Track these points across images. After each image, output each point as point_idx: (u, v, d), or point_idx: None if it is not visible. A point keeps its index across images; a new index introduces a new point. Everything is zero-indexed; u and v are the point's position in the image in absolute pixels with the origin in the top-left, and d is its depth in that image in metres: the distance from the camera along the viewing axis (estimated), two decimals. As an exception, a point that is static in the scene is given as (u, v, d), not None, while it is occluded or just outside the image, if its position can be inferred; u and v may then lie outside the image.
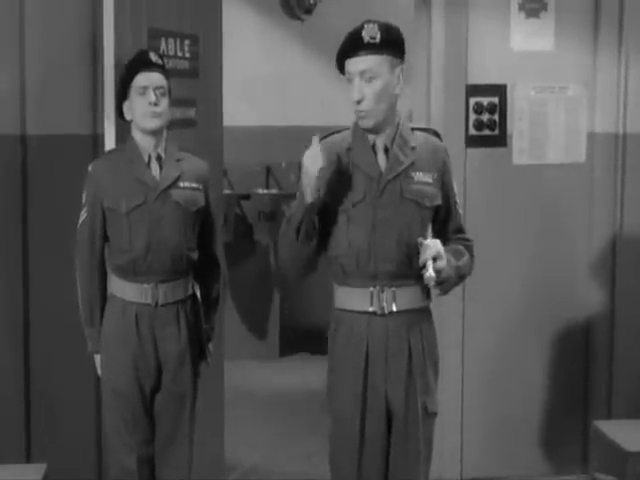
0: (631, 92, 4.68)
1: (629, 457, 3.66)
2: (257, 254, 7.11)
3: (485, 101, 4.56)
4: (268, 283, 7.09)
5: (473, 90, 4.55)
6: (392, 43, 2.81)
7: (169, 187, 3.33)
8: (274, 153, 7.47)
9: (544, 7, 4.63)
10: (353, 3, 7.27)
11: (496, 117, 4.57)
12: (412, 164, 2.87)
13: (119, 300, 3.34)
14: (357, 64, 2.79)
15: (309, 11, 7.62)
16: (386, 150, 2.87)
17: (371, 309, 2.85)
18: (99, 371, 3.42)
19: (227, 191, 6.97)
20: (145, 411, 3.35)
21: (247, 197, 7.21)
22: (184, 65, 4.07)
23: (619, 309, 4.67)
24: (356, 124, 2.91)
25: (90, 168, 3.39)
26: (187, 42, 4.08)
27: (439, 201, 2.93)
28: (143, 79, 3.29)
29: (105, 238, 3.37)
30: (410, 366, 2.88)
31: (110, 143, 3.68)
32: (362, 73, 2.79)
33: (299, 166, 7.55)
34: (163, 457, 3.39)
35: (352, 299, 2.88)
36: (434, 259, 2.76)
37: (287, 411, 5.76)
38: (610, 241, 4.63)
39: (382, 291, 2.85)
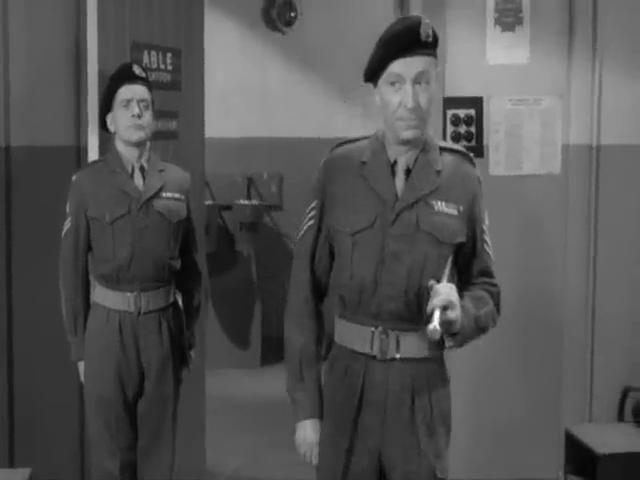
0: (605, 104, 4.78)
1: (599, 460, 3.75)
2: (239, 264, 7.18)
3: (462, 113, 4.66)
4: (250, 293, 7.16)
5: (450, 102, 4.65)
6: (437, 43, 2.43)
7: (152, 197, 3.40)
8: (255, 164, 7.55)
9: (519, 21, 4.73)
10: (333, 17, 7.47)
11: (473, 129, 4.66)
12: (435, 191, 2.45)
13: (102, 308, 3.40)
14: (413, 65, 2.37)
15: (290, 24, 7.68)
16: (407, 171, 2.46)
17: (371, 352, 2.45)
18: (82, 378, 3.48)
19: (209, 202, 6.98)
20: (128, 417, 3.43)
21: (229, 208, 7.24)
22: (166, 78, 4.16)
23: (597, 315, 4.77)
24: (377, 136, 2.51)
25: (74, 178, 3.46)
26: (169, 55, 4.17)
27: (462, 238, 2.48)
28: (127, 92, 3.37)
29: (89, 247, 3.43)
30: (413, 423, 2.46)
31: (94, 154, 3.76)
32: (418, 75, 2.37)
33: (280, 177, 7.65)
34: (145, 462, 3.47)
35: (350, 336, 2.50)
36: (444, 308, 2.31)
37: (268, 420, 5.79)
38: (585, 249, 4.72)
39: (385, 333, 2.44)
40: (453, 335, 2.40)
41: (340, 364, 2.51)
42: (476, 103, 4.65)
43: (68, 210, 3.44)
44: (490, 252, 2.57)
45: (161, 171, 3.46)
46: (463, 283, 2.52)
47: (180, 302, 3.56)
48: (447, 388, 2.52)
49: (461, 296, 2.41)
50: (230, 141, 7.43)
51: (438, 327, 2.26)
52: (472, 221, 2.50)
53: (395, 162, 2.45)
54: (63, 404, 4.15)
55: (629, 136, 4.79)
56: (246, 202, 7.43)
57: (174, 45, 4.22)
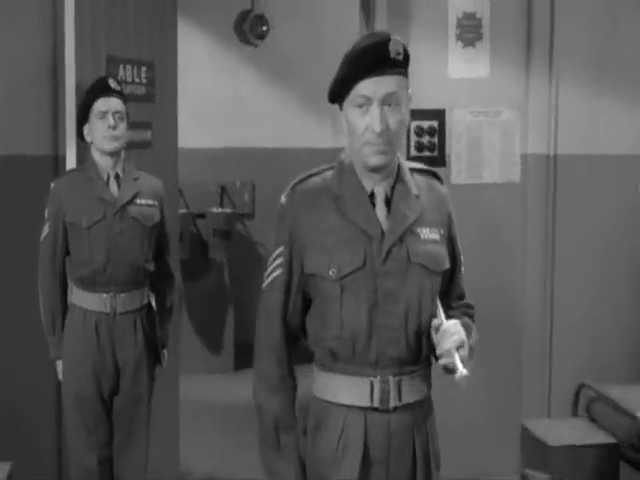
0: (561, 116, 4.96)
1: (551, 451, 3.92)
2: (212, 271, 7.18)
3: (425, 124, 4.82)
4: (223, 299, 7.18)
5: (414, 114, 4.70)
6: (408, 61, 2.22)
7: (127, 204, 3.55)
8: (228, 173, 7.58)
9: (479, 37, 4.90)
10: (303, 30, 7.50)
11: (436, 139, 4.82)
12: (417, 218, 2.24)
13: (79, 309, 3.55)
14: (381, 85, 2.14)
15: (261, 37, 7.69)
16: (387, 201, 2.23)
17: (371, 404, 2.21)
18: (60, 376, 3.62)
19: (183, 210, 7.05)
20: (104, 413, 3.58)
21: (202, 216, 7.26)
22: (141, 90, 4.28)
23: (555, 317, 4.93)
24: (342, 164, 2.27)
25: (53, 186, 3.60)
26: (144, 69, 4.30)
27: (448, 263, 2.31)
28: (102, 104, 3.52)
29: (66, 251, 3.58)
30: (414, 473, 2.30)
31: (71, 163, 3.91)
32: (386, 97, 2.15)
33: (252, 186, 7.71)
34: (121, 456, 3.62)
35: (344, 390, 2.22)
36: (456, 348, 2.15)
37: (241, 422, 5.82)
38: (544, 253, 4.89)
39: (385, 382, 2.20)
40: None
41: (332, 423, 2.23)
42: (439, 115, 4.82)
43: (46, 216, 3.58)
44: (463, 270, 2.42)
45: (135, 179, 3.61)
46: (443, 307, 2.28)
47: (154, 303, 3.70)
48: (435, 420, 2.38)
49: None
50: (204, 151, 7.43)
51: (466, 372, 2.11)
52: (451, 243, 2.34)
53: (372, 192, 2.23)
54: (42, 401, 4.20)
55: (584, 146, 4.98)
56: (219, 210, 7.44)
57: (148, 59, 4.34)
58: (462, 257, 2.40)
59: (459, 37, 4.85)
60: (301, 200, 2.24)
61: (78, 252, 3.54)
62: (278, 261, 2.25)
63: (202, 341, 7.12)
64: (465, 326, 2.25)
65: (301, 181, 2.27)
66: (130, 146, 3.74)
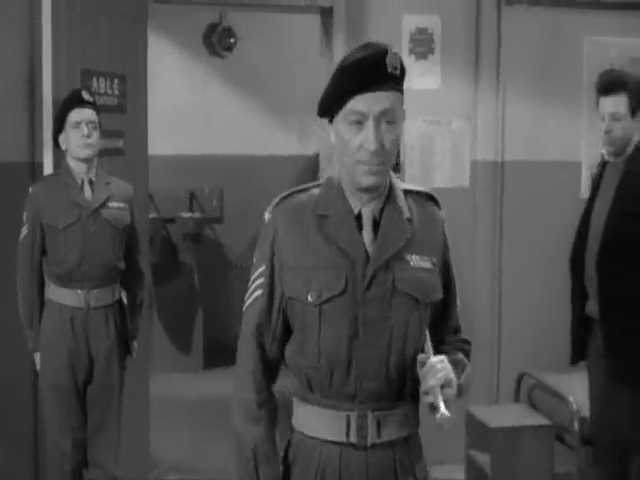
0: (508, 125, 5.26)
1: (491, 432, 4.21)
2: (182, 273, 7.27)
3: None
4: (192, 300, 7.25)
5: None
6: (404, 77, 2.03)
7: (100, 207, 3.79)
8: (197, 179, 7.62)
9: (431, 51, 5.19)
10: (269, 42, 7.62)
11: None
12: (407, 243, 2.05)
13: (56, 304, 3.78)
14: (377, 102, 1.96)
15: (229, 49, 7.74)
16: (374, 223, 2.05)
17: (347, 440, 2.03)
18: (38, 367, 3.86)
19: (153, 215, 7.07)
20: (78, 401, 3.81)
21: (172, 220, 7.35)
22: (113, 101, 4.48)
23: (502, 314, 5.22)
24: (330, 181, 2.10)
25: (30, 190, 3.83)
26: (116, 81, 4.49)
27: (440, 294, 2.11)
28: (77, 115, 3.75)
29: (43, 251, 3.80)
30: None
31: (48, 169, 4.14)
32: (382, 114, 1.97)
33: (220, 191, 7.87)
34: (94, 440, 3.86)
35: (319, 423, 2.05)
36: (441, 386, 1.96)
37: (209, 417, 6.02)
38: (492, 254, 5.18)
39: (363, 417, 2.02)
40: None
41: (307, 456, 2.07)
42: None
43: (25, 218, 3.79)
44: (459, 303, 2.23)
45: (107, 184, 3.85)
46: (435, 342, 2.10)
47: (125, 299, 3.94)
48: (424, 457, 2.18)
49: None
50: (174, 158, 7.46)
51: (447, 413, 1.93)
52: (445, 272, 2.15)
53: (359, 214, 2.05)
54: (20, 390, 4.33)
55: (529, 153, 5.30)
56: (189, 215, 7.52)
57: (120, 72, 4.52)
58: (457, 287, 2.20)
59: (412, 50, 5.11)
60: (284, 217, 2.07)
61: (54, 251, 3.77)
62: (259, 281, 2.09)
63: (172, 341, 7.20)
64: (455, 363, 2.08)
65: (286, 197, 2.11)
66: (103, 153, 3.94)
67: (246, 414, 2.09)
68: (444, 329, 2.18)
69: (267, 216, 2.12)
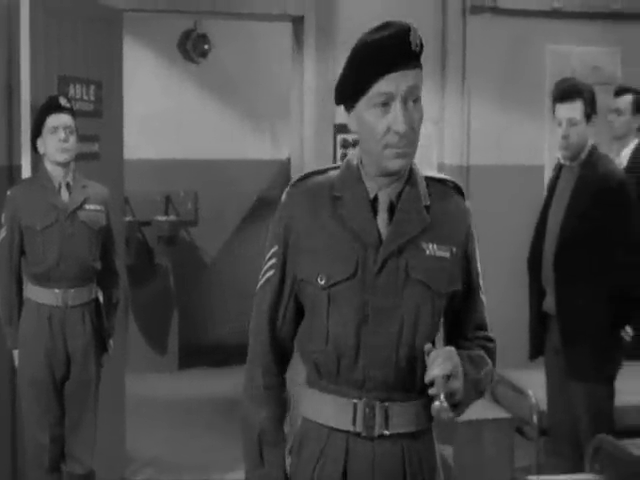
0: (473, 130, 5.44)
1: (454, 425, 4.34)
2: (157, 276, 7.35)
3: (350, 137, 5.21)
4: (168, 302, 7.33)
5: (340, 128, 5.19)
6: (422, 53, 1.96)
7: (77, 209, 3.90)
8: (173, 183, 7.69)
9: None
10: (242, 48, 7.68)
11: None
12: (424, 231, 1.96)
13: (34, 303, 3.89)
14: (403, 80, 1.89)
15: (204, 55, 7.80)
16: (391, 208, 1.97)
17: (353, 429, 1.96)
18: (16, 364, 3.96)
19: (129, 218, 7.15)
20: (56, 396, 3.92)
21: (148, 223, 7.40)
22: (89, 107, 4.58)
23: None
24: (349, 164, 2.02)
25: (9, 193, 3.94)
26: (92, 87, 4.61)
27: (458, 285, 2.02)
28: (54, 120, 3.86)
29: (22, 252, 3.91)
30: None
31: (26, 173, 4.26)
32: (409, 92, 1.90)
33: (195, 195, 7.96)
34: (72, 435, 3.97)
35: (326, 410, 1.99)
36: (446, 377, 1.88)
37: (185, 416, 6.17)
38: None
39: (370, 406, 1.95)
40: (454, 406, 1.92)
41: (313, 444, 2.01)
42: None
43: (3, 220, 3.90)
44: (484, 298, 2.12)
45: (84, 187, 3.96)
46: (455, 338, 2.07)
47: (101, 298, 4.05)
48: (438, 462, 2.07)
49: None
50: (150, 162, 7.49)
51: (445, 404, 1.85)
52: (467, 264, 2.05)
53: (376, 197, 1.98)
54: None
55: (494, 157, 5.48)
56: (164, 218, 7.58)
57: (96, 78, 4.63)
58: (482, 282, 2.10)
59: (381, 58, 5.29)
60: (299, 199, 2.02)
61: (33, 252, 3.88)
62: (272, 261, 2.04)
63: (148, 342, 7.26)
64: (470, 358, 1.99)
65: (303, 178, 2.06)
66: (79, 157, 4.04)
67: (253, 396, 2.05)
68: (466, 324, 2.08)
69: (284, 196, 2.06)
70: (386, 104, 1.90)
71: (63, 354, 3.91)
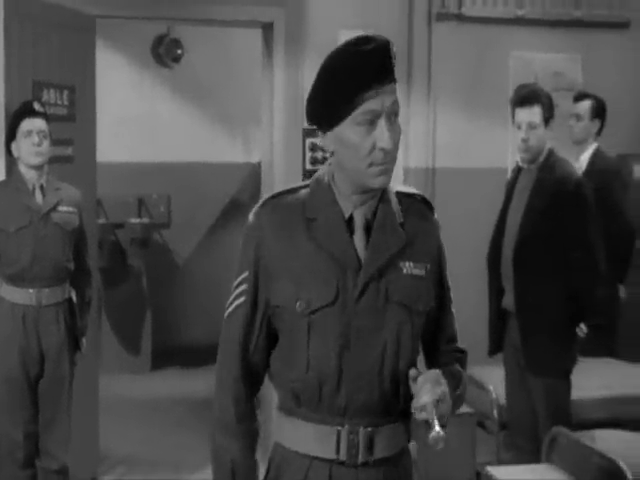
0: (438, 134, 5.58)
1: (418, 420, 4.48)
2: (130, 277, 7.38)
3: (318, 141, 5.37)
4: (141, 303, 7.39)
5: (308, 132, 5.33)
6: None
7: (50, 211, 3.99)
8: (145, 186, 7.72)
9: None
10: (214, 53, 7.75)
11: (328, 155, 5.39)
12: (401, 249, 1.92)
13: (8, 303, 3.97)
14: (387, 96, 1.84)
15: (177, 59, 7.87)
16: (367, 227, 1.91)
17: (337, 457, 1.90)
18: (-9, 362, 4.07)
19: (102, 220, 7.22)
20: (30, 394, 4.00)
21: (121, 226, 7.43)
22: (63, 111, 4.67)
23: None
24: (318, 182, 1.95)
25: (-17, 195, 4.04)
26: (66, 92, 4.69)
27: (433, 302, 1.99)
28: (28, 124, 3.95)
29: None
30: None
31: (1, 175, 4.35)
32: (391, 108, 1.85)
33: (168, 197, 8.01)
34: (46, 431, 4.05)
35: (307, 439, 1.92)
36: (436, 402, 1.82)
37: (157, 415, 6.24)
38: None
39: (354, 432, 1.89)
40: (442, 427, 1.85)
41: (293, 474, 1.94)
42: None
43: None
44: (454, 311, 2.09)
45: (57, 189, 4.04)
46: (430, 352, 2.05)
47: (74, 297, 4.13)
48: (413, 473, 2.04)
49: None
50: (123, 165, 7.54)
51: (442, 433, 1.80)
52: (439, 278, 2.02)
53: (351, 217, 1.91)
54: None
55: (458, 160, 5.62)
56: (137, 220, 7.61)
57: (70, 83, 4.71)
58: (451, 294, 2.07)
59: (348, 64, 5.41)
60: (270, 220, 1.93)
61: (7, 253, 3.95)
62: (242, 287, 1.95)
63: (121, 343, 7.33)
64: (452, 375, 1.96)
65: (272, 198, 1.96)
66: (53, 160, 4.12)
67: (225, 428, 1.97)
68: (439, 339, 2.04)
69: (251, 218, 1.96)
70: (371, 122, 1.83)
71: (37, 352, 3.99)
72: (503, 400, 4.29)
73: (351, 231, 1.90)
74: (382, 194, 1.92)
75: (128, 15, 5.28)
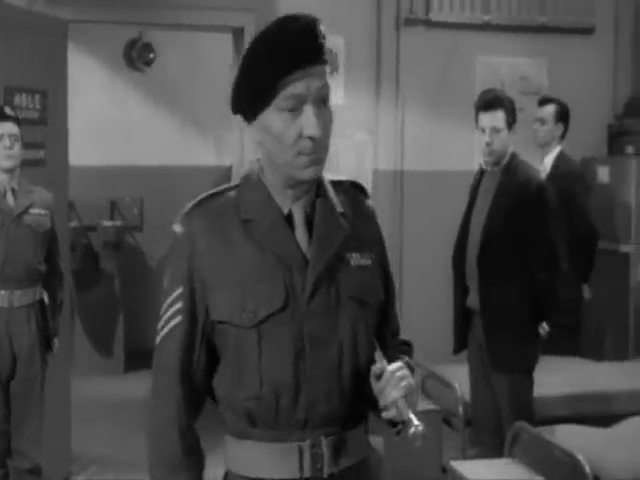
0: (406, 138, 5.68)
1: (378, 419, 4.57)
2: (103, 280, 7.37)
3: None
4: (113, 306, 7.38)
5: None
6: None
7: (22, 213, 4.04)
8: (118, 189, 7.72)
9: (335, 69, 5.57)
10: (186, 57, 7.80)
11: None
12: (345, 240, 1.78)
13: (-20, 304, 4.01)
14: (313, 79, 1.68)
15: (149, 64, 7.88)
16: (308, 222, 1.77)
17: (301, 474, 1.74)
18: (-36, 362, 4.12)
19: (75, 223, 7.18)
20: (2, 394, 4.04)
21: (94, 228, 7.41)
22: (34, 115, 4.70)
23: (403, 306, 5.58)
24: (248, 180, 1.80)
25: (-45, 198, 4.09)
26: (37, 96, 4.73)
27: (383, 293, 1.86)
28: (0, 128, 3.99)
29: None
30: None
31: (-28, 179, 4.38)
32: (319, 92, 1.70)
33: (141, 200, 8.03)
34: (18, 431, 4.10)
35: (265, 462, 1.75)
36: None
37: (130, 416, 6.00)
38: (392, 255, 5.48)
39: (317, 445, 1.74)
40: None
41: None
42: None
43: None
44: (397, 303, 1.96)
45: (29, 192, 4.10)
46: (380, 342, 1.85)
47: (46, 299, 4.17)
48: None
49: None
50: (96, 169, 7.55)
51: (420, 427, 1.68)
52: (383, 268, 1.88)
53: (290, 213, 1.76)
54: None
55: (426, 163, 5.72)
56: (110, 223, 7.59)
57: (41, 87, 4.74)
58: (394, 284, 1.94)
59: (317, 68, 5.51)
60: (201, 227, 1.76)
61: (-21, 255, 3.99)
62: (176, 306, 1.77)
63: (94, 345, 7.33)
64: (408, 366, 1.80)
65: (199, 203, 1.79)
66: (25, 164, 4.17)
67: (168, 463, 1.78)
68: (386, 332, 1.89)
69: (178, 228, 1.79)
70: (294, 109, 1.68)
71: (9, 353, 4.04)
72: (468, 397, 4.37)
73: (292, 228, 1.76)
74: (319, 185, 1.79)
75: (100, 20, 5.33)
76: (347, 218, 1.81)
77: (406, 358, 1.86)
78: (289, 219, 1.76)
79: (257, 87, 1.69)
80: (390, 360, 1.78)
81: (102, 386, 6.99)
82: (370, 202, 1.91)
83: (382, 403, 1.70)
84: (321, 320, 1.74)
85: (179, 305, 1.77)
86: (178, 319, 1.77)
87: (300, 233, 1.76)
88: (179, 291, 1.77)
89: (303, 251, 1.75)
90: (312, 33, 1.68)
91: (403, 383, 1.70)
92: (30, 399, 4.12)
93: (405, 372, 1.72)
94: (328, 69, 1.73)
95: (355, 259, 1.79)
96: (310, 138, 1.69)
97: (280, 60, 1.66)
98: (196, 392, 1.80)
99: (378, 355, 1.76)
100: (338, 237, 1.77)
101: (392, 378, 1.70)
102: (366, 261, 1.81)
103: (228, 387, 1.77)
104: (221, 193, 1.81)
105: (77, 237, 7.11)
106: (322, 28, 1.70)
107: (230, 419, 1.78)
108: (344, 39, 5.54)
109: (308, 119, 1.68)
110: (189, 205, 1.80)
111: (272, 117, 1.70)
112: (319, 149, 1.71)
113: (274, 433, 1.74)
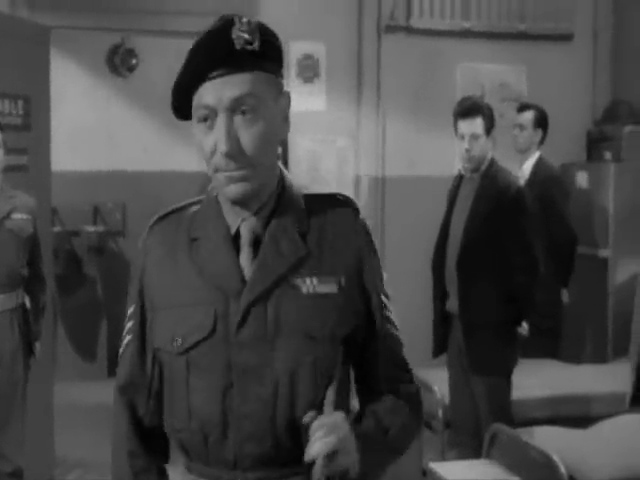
0: (388, 143, 5.73)
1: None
2: (86, 285, 7.39)
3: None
4: (96, 311, 7.39)
5: None
6: (274, 51, 1.61)
7: (4, 218, 4.06)
8: (101, 194, 7.72)
9: (317, 75, 5.63)
10: (169, 62, 7.69)
11: (279, 163, 5.53)
12: (300, 264, 1.60)
13: (-38, 308, 4.02)
14: (226, 89, 1.53)
15: (131, 69, 7.84)
16: (256, 242, 1.61)
17: None
18: (-54, 367, 4.13)
19: (58, 228, 7.16)
20: (-15, 398, 4.08)
21: (77, 234, 7.43)
22: (17, 121, 4.71)
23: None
24: (208, 197, 1.69)
25: (-63, 203, 4.11)
26: (20, 102, 4.74)
27: (350, 326, 1.62)
28: (-19, 135, 4.01)
29: None
30: None
31: (-46, 184, 4.40)
32: (234, 103, 1.54)
33: (123, 206, 8.05)
34: (1, 434, 4.10)
35: None
36: (331, 455, 1.49)
37: (112, 420, 6.35)
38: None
39: None
40: None
41: None
42: (282, 142, 5.52)
43: None
44: (397, 333, 1.72)
45: (11, 197, 4.11)
46: (368, 387, 1.69)
47: (28, 303, 4.20)
48: None
49: (363, 411, 1.63)
50: (78, 174, 7.52)
51: None
52: (363, 297, 1.66)
53: (238, 232, 1.62)
54: None
55: (407, 169, 5.78)
56: (92, 229, 7.61)
57: (24, 93, 4.76)
58: (391, 313, 1.71)
59: (298, 74, 5.59)
60: (155, 243, 1.68)
61: (-39, 260, 4.01)
62: (129, 324, 1.71)
63: (77, 350, 7.33)
64: (382, 411, 1.63)
65: (162, 217, 1.71)
66: (8, 169, 4.18)
67: None
68: (375, 373, 1.68)
69: (140, 243, 1.71)
70: (207, 119, 1.57)
71: (-9, 357, 4.06)
72: (448, 400, 4.42)
73: (237, 249, 1.62)
74: (277, 202, 1.63)
75: (83, 26, 5.35)
76: (312, 238, 1.63)
77: (390, 400, 1.66)
78: (237, 240, 1.62)
79: (177, 94, 1.62)
80: (373, 401, 1.63)
81: (85, 390, 6.95)
82: (361, 219, 1.70)
83: (305, 459, 1.50)
84: (252, 353, 1.57)
85: (130, 323, 1.71)
86: (130, 337, 1.71)
87: (245, 255, 1.61)
88: (132, 309, 1.71)
89: (244, 274, 1.60)
90: (223, 37, 1.53)
91: (326, 439, 1.48)
92: (12, 403, 4.14)
93: (337, 425, 1.50)
94: (262, 75, 1.57)
95: (310, 285, 1.60)
96: (221, 153, 1.55)
97: (192, 66, 1.56)
98: (150, 417, 1.71)
99: (328, 400, 1.55)
100: (286, 260, 1.60)
101: (317, 431, 1.50)
102: (328, 288, 1.60)
103: (166, 416, 1.68)
104: (183, 208, 1.71)
105: (60, 242, 7.10)
106: (246, 31, 1.54)
107: (176, 446, 1.70)
108: (325, 45, 5.60)
109: (218, 132, 1.55)
110: (154, 218, 1.72)
111: (195, 127, 1.60)
112: (236, 166, 1.55)
113: (208, 470, 1.64)
